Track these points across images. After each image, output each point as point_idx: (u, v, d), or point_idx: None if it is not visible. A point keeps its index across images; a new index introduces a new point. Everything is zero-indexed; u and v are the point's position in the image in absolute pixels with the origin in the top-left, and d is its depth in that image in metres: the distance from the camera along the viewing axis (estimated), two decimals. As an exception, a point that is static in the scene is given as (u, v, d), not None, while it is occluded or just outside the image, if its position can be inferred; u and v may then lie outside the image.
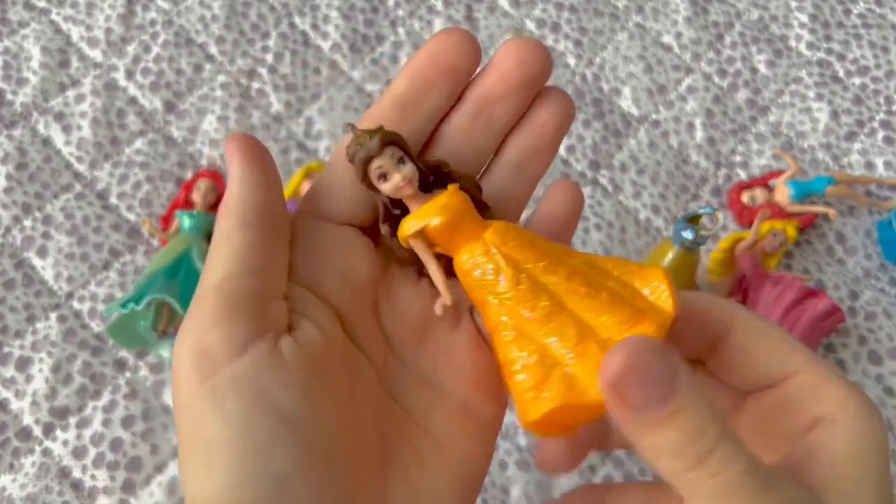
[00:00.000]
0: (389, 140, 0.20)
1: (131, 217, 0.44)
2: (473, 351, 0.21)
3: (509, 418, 0.40)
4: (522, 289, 0.19)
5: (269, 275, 0.19)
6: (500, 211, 0.22)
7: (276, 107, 0.48)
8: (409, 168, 0.20)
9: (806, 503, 0.18)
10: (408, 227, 0.20)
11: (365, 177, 0.20)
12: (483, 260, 0.20)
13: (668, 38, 0.53)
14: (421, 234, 0.20)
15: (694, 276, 0.42)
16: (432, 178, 0.21)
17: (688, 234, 0.38)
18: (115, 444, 0.38)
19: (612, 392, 0.17)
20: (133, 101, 0.47)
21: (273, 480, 0.17)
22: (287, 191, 0.44)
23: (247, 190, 0.19)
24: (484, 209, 0.22)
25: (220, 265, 0.19)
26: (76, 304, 0.41)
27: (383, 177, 0.20)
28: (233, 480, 0.16)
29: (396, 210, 0.21)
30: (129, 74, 0.48)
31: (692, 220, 0.38)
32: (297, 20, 0.51)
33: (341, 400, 0.19)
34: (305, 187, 0.44)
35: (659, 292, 0.19)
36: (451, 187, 0.21)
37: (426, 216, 0.20)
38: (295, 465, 0.17)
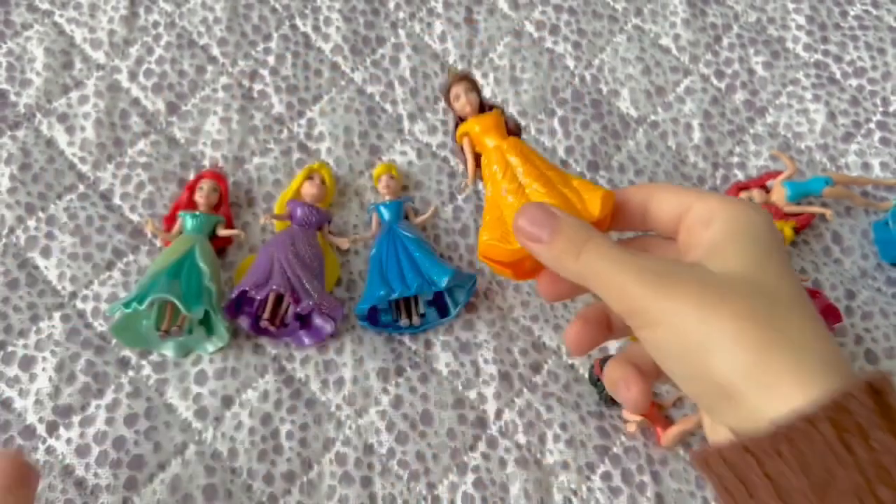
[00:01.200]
0: (464, 76, 0.36)
1: (134, 217, 0.44)
2: None
3: (507, 416, 0.41)
4: (506, 178, 0.32)
5: None
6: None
7: (278, 108, 0.48)
8: (473, 96, 0.35)
9: (654, 263, 0.25)
10: (460, 129, 0.35)
11: (447, 97, 0.36)
12: (494, 158, 0.33)
13: (666, 40, 0.53)
14: (467, 135, 0.35)
15: None
16: (489, 108, 0.35)
17: None
18: (118, 443, 0.38)
19: (520, 234, 0.27)
20: (136, 102, 0.47)
21: None
22: (289, 192, 0.44)
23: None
24: (511, 132, 0.35)
25: None
26: (79, 304, 0.42)
27: (457, 98, 0.35)
28: None
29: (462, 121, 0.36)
30: (132, 76, 0.48)
31: None
32: (298, 22, 0.51)
33: None
34: (307, 188, 0.44)
35: (593, 200, 0.30)
36: (495, 111, 0.35)
37: (472, 125, 0.34)
38: None
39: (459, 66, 0.51)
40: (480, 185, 0.46)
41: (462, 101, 0.35)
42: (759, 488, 0.23)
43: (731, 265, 0.25)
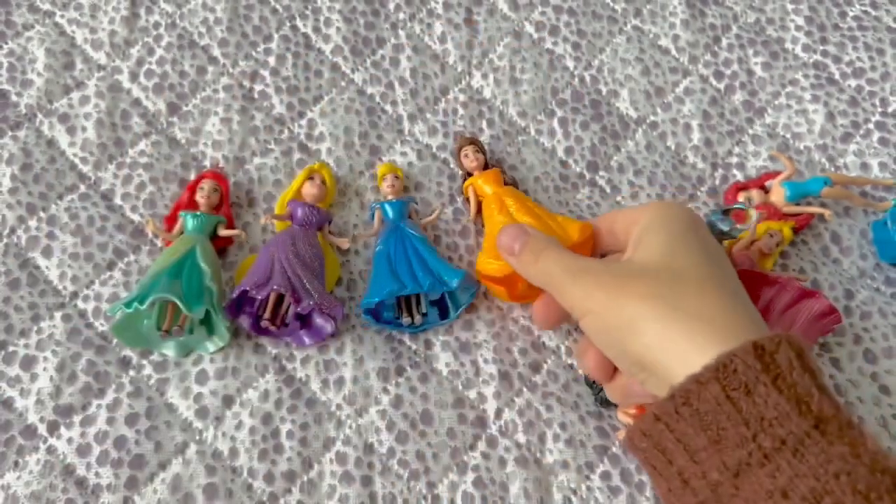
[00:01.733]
0: (473, 140, 0.46)
1: (135, 217, 0.44)
2: None
3: (507, 415, 0.41)
4: (502, 213, 0.41)
5: None
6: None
7: (279, 108, 0.48)
8: (479, 156, 0.46)
9: (587, 262, 0.31)
10: (467, 181, 0.45)
11: (458, 155, 0.46)
12: (493, 200, 0.43)
13: (665, 41, 0.53)
14: (472, 185, 0.45)
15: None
16: (492, 166, 0.46)
17: (724, 226, 0.39)
18: (119, 442, 0.38)
19: (500, 248, 0.35)
20: (137, 102, 0.47)
21: None
22: (289, 192, 0.45)
23: None
24: (507, 184, 0.45)
25: None
26: (81, 304, 0.42)
27: (466, 156, 0.46)
28: None
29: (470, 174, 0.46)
30: (133, 76, 0.48)
31: (726, 212, 0.40)
32: (299, 23, 0.51)
33: None
34: (308, 188, 0.44)
35: (573, 228, 0.38)
36: (495, 168, 0.45)
37: (477, 178, 0.45)
38: None
39: (459, 68, 0.51)
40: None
41: (470, 158, 0.45)
42: (674, 454, 0.26)
43: (646, 254, 0.30)
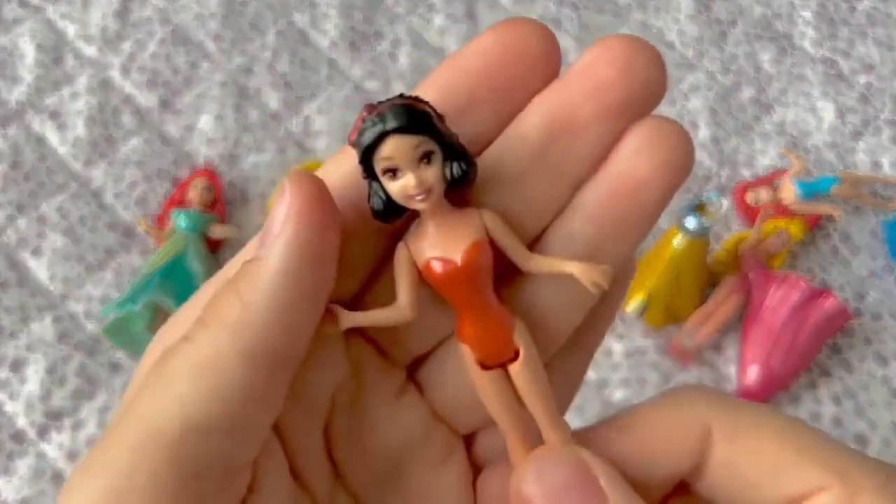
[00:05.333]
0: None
1: (127, 216, 0.43)
2: (463, 493, 0.15)
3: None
4: None
5: (251, 436, 0.13)
6: (544, 330, 0.15)
7: (274, 105, 0.47)
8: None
9: None
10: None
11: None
12: None
13: (671, 36, 0.52)
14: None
15: (704, 262, 0.42)
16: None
17: (691, 224, 0.39)
18: (110, 447, 0.38)
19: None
20: (128, 99, 0.47)
21: None
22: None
23: (284, 298, 0.12)
24: None
25: (189, 400, 0.12)
26: (71, 305, 0.41)
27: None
28: None
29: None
30: (125, 72, 0.47)
31: (697, 208, 0.39)
32: (295, 17, 0.50)
33: None
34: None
35: None
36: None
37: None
38: None
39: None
40: None
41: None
42: None
43: None
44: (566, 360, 0.16)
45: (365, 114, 0.14)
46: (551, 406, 0.14)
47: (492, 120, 0.14)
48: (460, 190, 0.14)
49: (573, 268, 0.13)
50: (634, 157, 0.14)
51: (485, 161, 0.14)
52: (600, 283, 0.13)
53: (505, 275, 0.14)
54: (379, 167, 0.13)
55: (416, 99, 0.14)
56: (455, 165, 0.13)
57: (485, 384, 0.14)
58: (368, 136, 0.13)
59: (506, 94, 0.14)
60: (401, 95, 0.14)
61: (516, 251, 0.14)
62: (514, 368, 0.14)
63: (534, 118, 0.14)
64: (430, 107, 0.14)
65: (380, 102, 0.14)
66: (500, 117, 0.14)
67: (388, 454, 0.15)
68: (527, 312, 0.14)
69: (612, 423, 0.15)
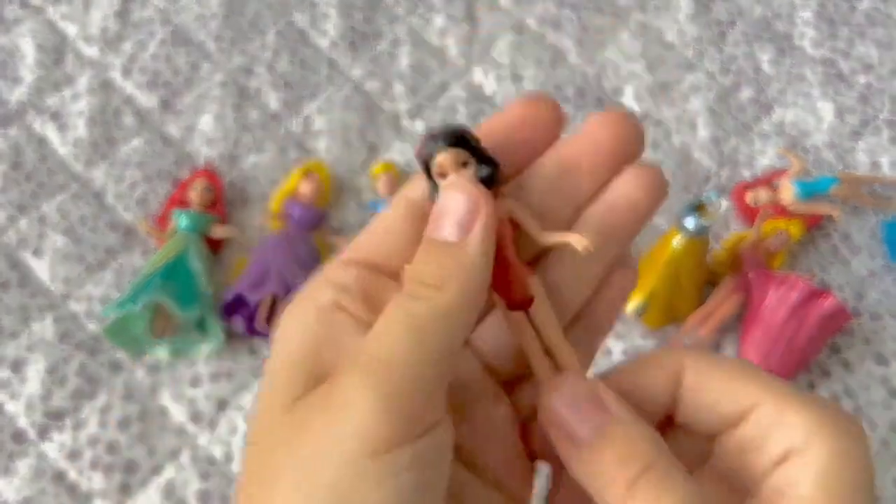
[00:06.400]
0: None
1: (128, 217, 0.43)
2: (510, 427, 0.20)
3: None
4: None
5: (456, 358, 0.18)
6: (559, 299, 0.20)
7: (274, 105, 0.47)
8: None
9: None
10: None
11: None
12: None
13: (670, 36, 0.52)
14: None
15: (704, 262, 0.42)
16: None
17: (689, 224, 0.39)
18: (112, 447, 0.38)
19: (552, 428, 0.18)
20: (129, 99, 0.47)
21: None
22: (284, 190, 0.44)
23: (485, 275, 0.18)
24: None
25: (433, 353, 0.17)
26: (72, 305, 0.41)
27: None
28: None
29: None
30: (126, 72, 0.47)
31: (697, 208, 0.39)
32: (295, 17, 0.50)
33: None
34: (303, 187, 0.43)
35: None
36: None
37: None
38: None
39: (460, 64, 0.50)
40: None
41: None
42: None
43: None
44: (579, 330, 0.21)
45: (425, 136, 0.19)
46: (563, 339, 0.19)
47: (512, 162, 0.20)
48: (494, 188, 0.19)
49: (570, 237, 0.19)
50: (629, 184, 0.19)
51: (510, 188, 0.20)
52: (587, 245, 0.18)
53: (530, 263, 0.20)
54: (434, 171, 0.19)
55: (460, 126, 0.20)
56: (484, 168, 0.19)
57: (512, 321, 0.19)
58: (427, 151, 0.19)
59: (526, 144, 0.20)
60: (449, 125, 0.20)
61: (531, 227, 0.19)
62: (532, 310, 0.19)
63: (549, 161, 0.20)
64: (469, 131, 0.19)
65: (436, 128, 0.20)
66: (517, 161, 0.20)
67: (457, 393, 0.19)
68: (546, 283, 0.20)
69: (606, 372, 0.20)
